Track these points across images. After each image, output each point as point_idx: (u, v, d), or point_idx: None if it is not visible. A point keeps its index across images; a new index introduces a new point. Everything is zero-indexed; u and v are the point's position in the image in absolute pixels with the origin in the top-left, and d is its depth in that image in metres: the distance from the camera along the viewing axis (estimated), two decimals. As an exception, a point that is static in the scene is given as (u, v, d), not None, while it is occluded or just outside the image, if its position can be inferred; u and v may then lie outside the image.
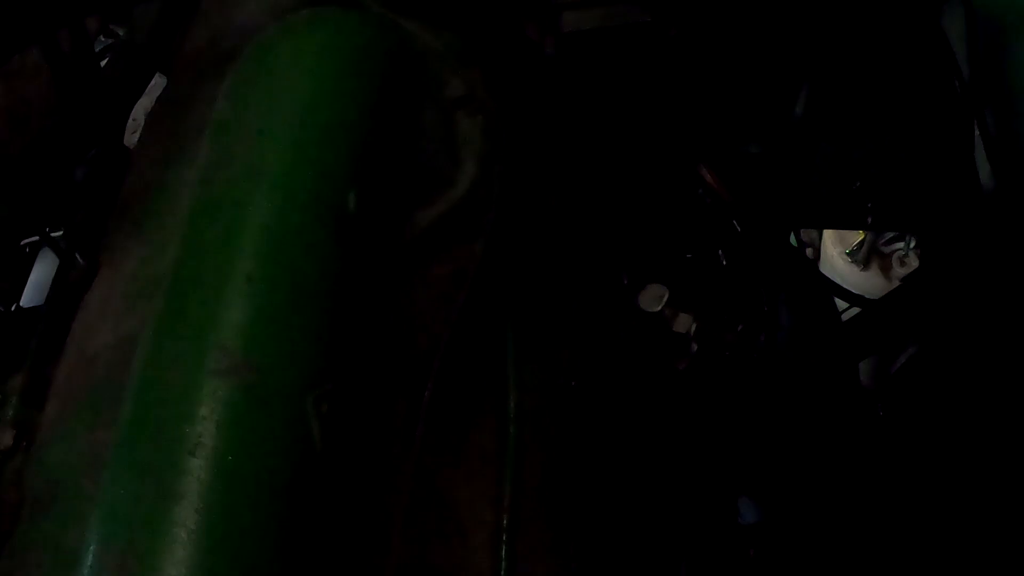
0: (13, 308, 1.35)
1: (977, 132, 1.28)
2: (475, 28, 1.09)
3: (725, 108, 1.33)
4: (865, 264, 2.50)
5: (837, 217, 1.56)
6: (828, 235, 2.58)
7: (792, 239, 1.51)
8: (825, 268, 2.55)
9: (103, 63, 1.25)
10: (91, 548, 0.73)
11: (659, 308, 1.19)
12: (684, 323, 1.19)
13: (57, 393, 0.90)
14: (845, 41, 1.33)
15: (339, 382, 0.80)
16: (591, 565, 0.99)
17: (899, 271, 2.49)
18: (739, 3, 1.28)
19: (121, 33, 1.39)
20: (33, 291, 1.40)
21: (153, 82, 1.25)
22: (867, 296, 1.48)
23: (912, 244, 2.47)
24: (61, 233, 1.20)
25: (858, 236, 2.49)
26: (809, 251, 2.65)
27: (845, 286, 1.41)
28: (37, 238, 1.36)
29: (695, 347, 1.20)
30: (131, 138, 1.20)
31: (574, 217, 1.19)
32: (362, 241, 0.87)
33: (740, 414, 1.25)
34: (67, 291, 0.98)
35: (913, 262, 2.47)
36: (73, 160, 1.14)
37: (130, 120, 1.23)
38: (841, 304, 1.44)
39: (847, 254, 2.52)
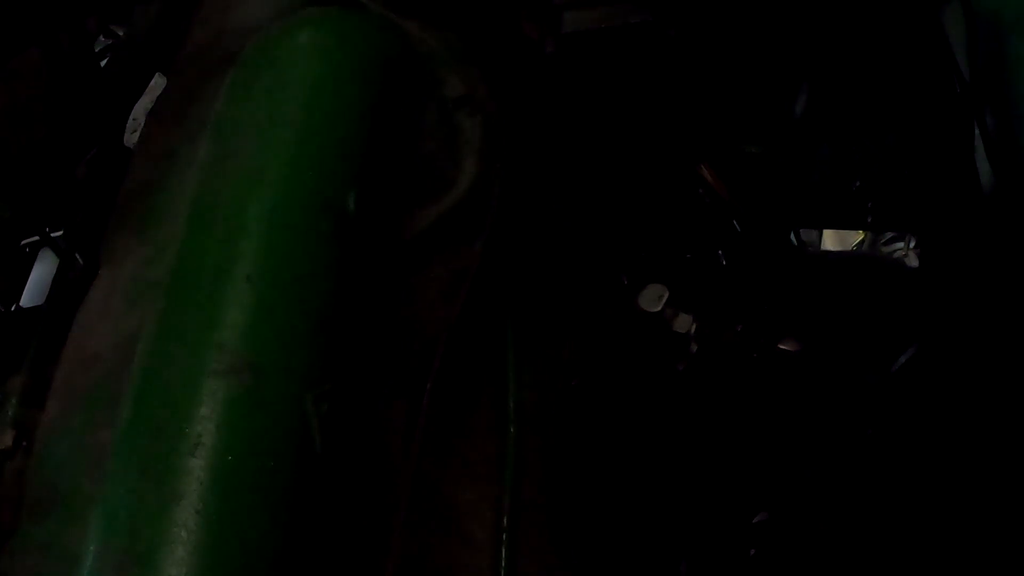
0: (13, 308, 1.35)
1: (977, 132, 1.27)
2: (475, 28, 1.09)
3: (725, 108, 1.33)
4: (865, 264, 2.50)
5: (837, 217, 1.56)
6: (828, 235, 2.58)
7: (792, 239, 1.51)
8: (825, 268, 2.55)
9: (103, 63, 1.25)
10: (91, 548, 0.73)
11: (659, 308, 1.19)
12: (684, 323, 1.19)
13: (57, 393, 0.90)
14: (844, 41, 1.33)
15: (339, 382, 0.80)
16: (591, 565, 0.99)
17: (899, 271, 2.48)
18: (739, 3, 1.28)
19: (121, 33, 1.39)
20: (33, 291, 1.40)
21: (153, 82, 1.25)
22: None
23: (912, 244, 2.46)
24: (61, 233, 1.20)
25: (858, 236, 2.48)
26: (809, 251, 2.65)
27: (845, 286, 1.41)
28: (37, 238, 1.36)
29: (695, 347, 1.20)
30: (131, 138, 1.20)
31: (574, 217, 1.19)
32: (362, 241, 0.87)
33: (740, 414, 1.25)
34: (67, 291, 0.98)
35: (913, 262, 2.46)
36: (73, 160, 1.14)
37: (130, 120, 1.23)
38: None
39: (847, 254, 2.52)
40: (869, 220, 1.39)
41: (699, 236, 1.30)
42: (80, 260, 1.01)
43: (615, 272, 1.22)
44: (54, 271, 1.04)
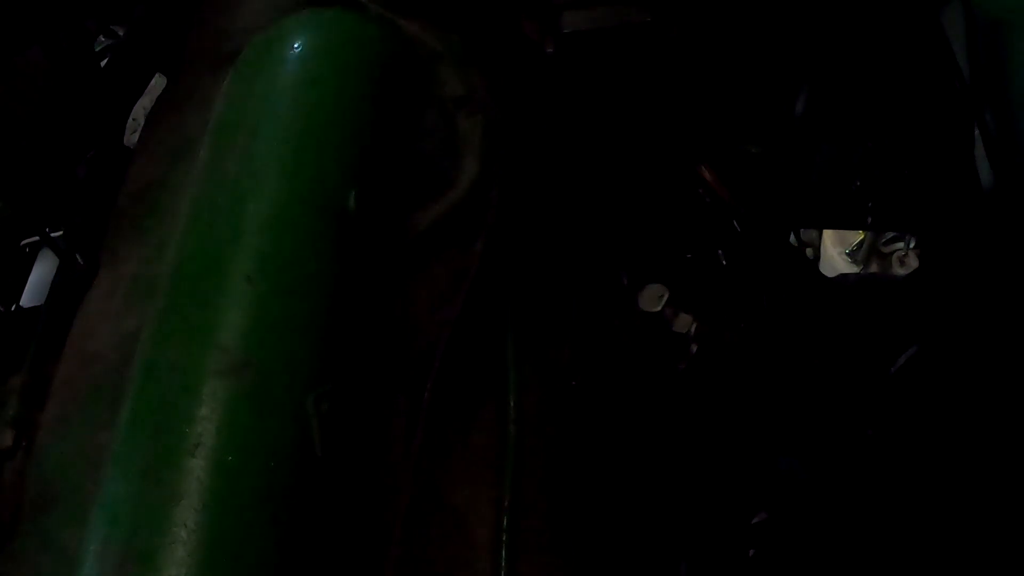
0: (13, 308, 1.35)
1: (977, 132, 1.27)
2: (475, 28, 1.09)
3: (725, 108, 1.33)
4: (865, 264, 2.50)
5: (837, 217, 1.56)
6: (828, 235, 2.58)
7: (792, 239, 1.52)
8: (825, 268, 2.56)
9: (103, 63, 1.25)
10: (91, 548, 0.73)
11: (659, 308, 1.19)
12: (684, 323, 1.19)
13: (57, 393, 0.90)
14: (845, 41, 1.33)
15: (339, 382, 0.80)
16: (591, 565, 0.99)
17: (899, 271, 2.49)
18: (739, 3, 1.28)
19: (121, 33, 1.40)
20: (33, 291, 1.40)
21: (153, 82, 1.26)
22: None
23: (912, 244, 2.46)
24: (61, 233, 1.20)
25: (858, 236, 2.49)
26: (809, 251, 2.65)
27: (845, 286, 1.41)
28: (37, 238, 1.36)
29: (695, 347, 1.20)
30: (131, 138, 1.20)
31: (574, 217, 1.19)
32: (362, 241, 0.87)
33: (740, 413, 1.25)
34: (67, 291, 0.98)
35: (913, 262, 2.47)
36: (73, 159, 1.14)
37: (130, 120, 1.23)
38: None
39: (847, 254, 2.52)
40: (869, 220, 1.39)
41: (699, 236, 1.30)
42: (80, 260, 1.00)
43: (615, 272, 1.22)
44: (54, 271, 1.03)
